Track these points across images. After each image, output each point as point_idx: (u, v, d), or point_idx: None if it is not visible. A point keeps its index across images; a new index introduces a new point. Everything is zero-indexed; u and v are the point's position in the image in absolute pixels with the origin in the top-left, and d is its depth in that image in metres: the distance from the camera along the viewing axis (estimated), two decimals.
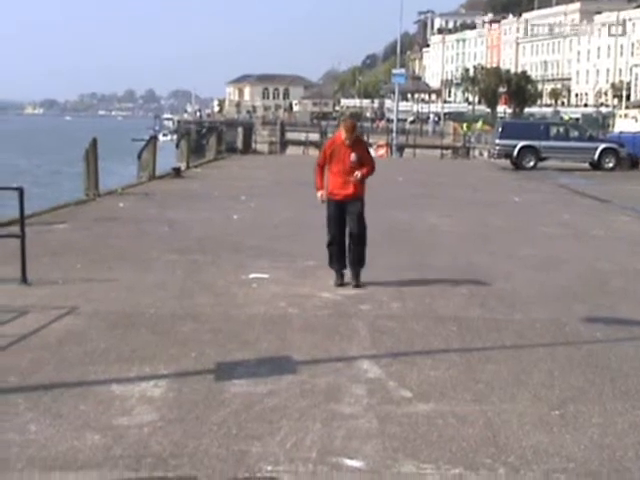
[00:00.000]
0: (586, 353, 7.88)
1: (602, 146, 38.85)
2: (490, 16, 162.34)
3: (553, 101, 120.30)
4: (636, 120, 56.59)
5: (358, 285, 10.57)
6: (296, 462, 5.26)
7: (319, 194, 10.88)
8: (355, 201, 10.70)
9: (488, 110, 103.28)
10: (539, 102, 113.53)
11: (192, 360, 7.42)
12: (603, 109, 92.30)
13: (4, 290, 10.11)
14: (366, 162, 10.73)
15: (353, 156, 10.58)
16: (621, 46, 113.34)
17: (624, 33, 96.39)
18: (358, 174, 10.54)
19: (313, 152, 58.18)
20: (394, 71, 66.40)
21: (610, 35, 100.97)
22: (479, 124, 75.38)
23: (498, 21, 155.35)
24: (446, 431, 5.80)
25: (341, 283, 10.70)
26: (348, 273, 10.82)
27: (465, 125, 75.27)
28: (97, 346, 7.80)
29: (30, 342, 7.93)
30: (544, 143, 38.08)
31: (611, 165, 38.18)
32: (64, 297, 9.79)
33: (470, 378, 7.01)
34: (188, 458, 5.28)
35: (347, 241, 10.85)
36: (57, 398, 6.34)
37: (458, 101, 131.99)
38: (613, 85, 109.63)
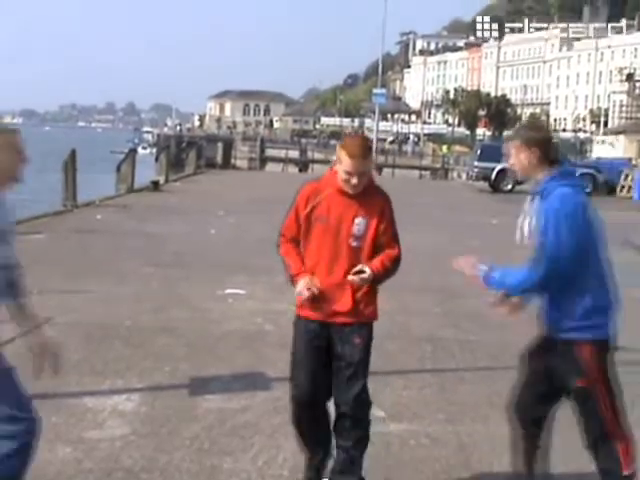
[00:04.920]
0: None
1: (580, 171, 39.14)
2: (472, 39, 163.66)
3: None
4: (613, 146, 57.22)
5: None
6: (268, 479, 5.25)
7: (300, 285, 4.74)
8: (354, 328, 4.81)
9: (467, 132, 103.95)
10: (518, 126, 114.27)
11: (166, 374, 7.39)
12: (581, 135, 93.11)
13: None
14: (387, 243, 4.96)
15: (358, 224, 4.79)
16: (600, 73, 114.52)
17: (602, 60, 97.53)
18: (366, 271, 4.76)
19: (292, 169, 58.43)
20: (375, 91, 66.89)
21: (589, 62, 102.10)
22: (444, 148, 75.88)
23: (479, 44, 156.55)
24: (418, 452, 5.80)
25: (310, 478, 5.01)
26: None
27: (444, 146, 75.84)
28: (70, 358, 7.74)
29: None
30: None
31: (588, 190, 38.46)
32: (38, 308, 9.66)
33: (443, 399, 7.02)
34: (159, 472, 5.26)
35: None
36: None
37: (438, 122, 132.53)
38: (591, 111, 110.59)
